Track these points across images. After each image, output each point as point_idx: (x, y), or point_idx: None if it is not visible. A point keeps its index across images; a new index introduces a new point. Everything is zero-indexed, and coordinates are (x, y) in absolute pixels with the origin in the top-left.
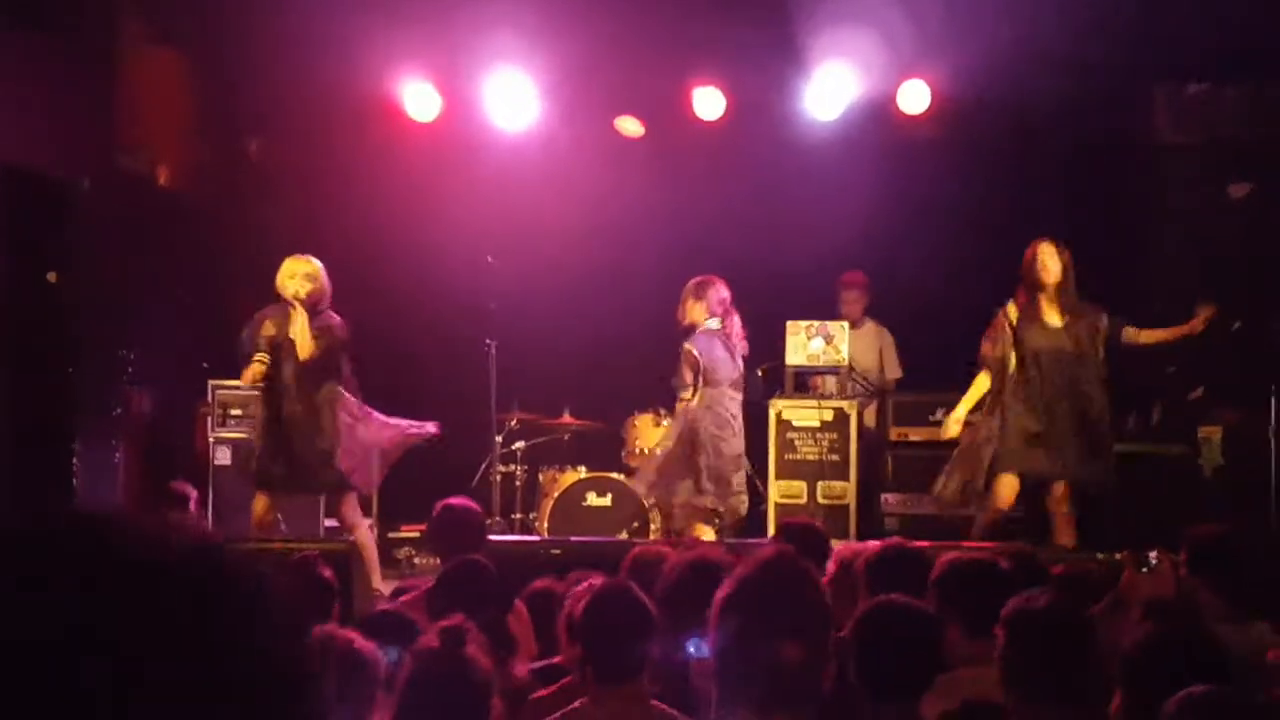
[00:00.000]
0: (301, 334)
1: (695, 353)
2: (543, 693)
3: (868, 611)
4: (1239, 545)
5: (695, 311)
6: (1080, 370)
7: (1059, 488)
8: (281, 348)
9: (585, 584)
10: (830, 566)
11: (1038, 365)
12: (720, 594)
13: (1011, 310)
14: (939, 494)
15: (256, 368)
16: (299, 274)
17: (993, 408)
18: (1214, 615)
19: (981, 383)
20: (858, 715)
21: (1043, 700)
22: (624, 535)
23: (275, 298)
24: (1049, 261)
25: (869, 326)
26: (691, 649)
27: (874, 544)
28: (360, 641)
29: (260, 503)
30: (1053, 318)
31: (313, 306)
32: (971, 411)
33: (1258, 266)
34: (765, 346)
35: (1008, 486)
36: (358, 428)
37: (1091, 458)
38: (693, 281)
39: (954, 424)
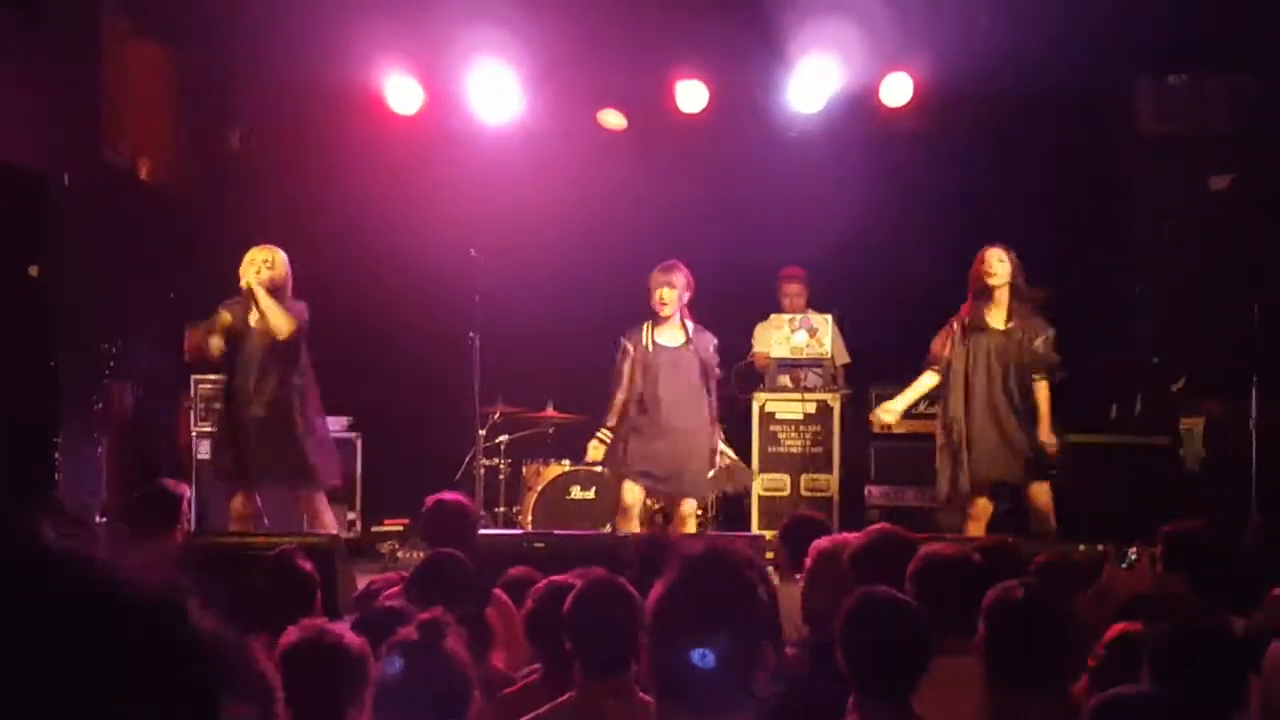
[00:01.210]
0: (273, 314)
1: None
2: (509, 690)
3: (855, 606)
4: (1215, 540)
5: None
6: (1019, 370)
7: (1032, 486)
8: (241, 336)
9: (545, 581)
10: (808, 561)
11: (986, 369)
12: (655, 591)
13: (962, 316)
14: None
15: (200, 335)
16: (257, 260)
17: (944, 413)
18: (1189, 611)
19: (926, 379)
20: (838, 708)
21: (1024, 689)
22: (608, 529)
23: (235, 289)
24: (996, 266)
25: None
26: (696, 658)
27: (854, 535)
28: (350, 637)
29: (238, 497)
30: (997, 320)
31: (271, 292)
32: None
33: (1241, 258)
34: (749, 339)
35: (983, 507)
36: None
37: (1038, 462)
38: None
39: (886, 414)
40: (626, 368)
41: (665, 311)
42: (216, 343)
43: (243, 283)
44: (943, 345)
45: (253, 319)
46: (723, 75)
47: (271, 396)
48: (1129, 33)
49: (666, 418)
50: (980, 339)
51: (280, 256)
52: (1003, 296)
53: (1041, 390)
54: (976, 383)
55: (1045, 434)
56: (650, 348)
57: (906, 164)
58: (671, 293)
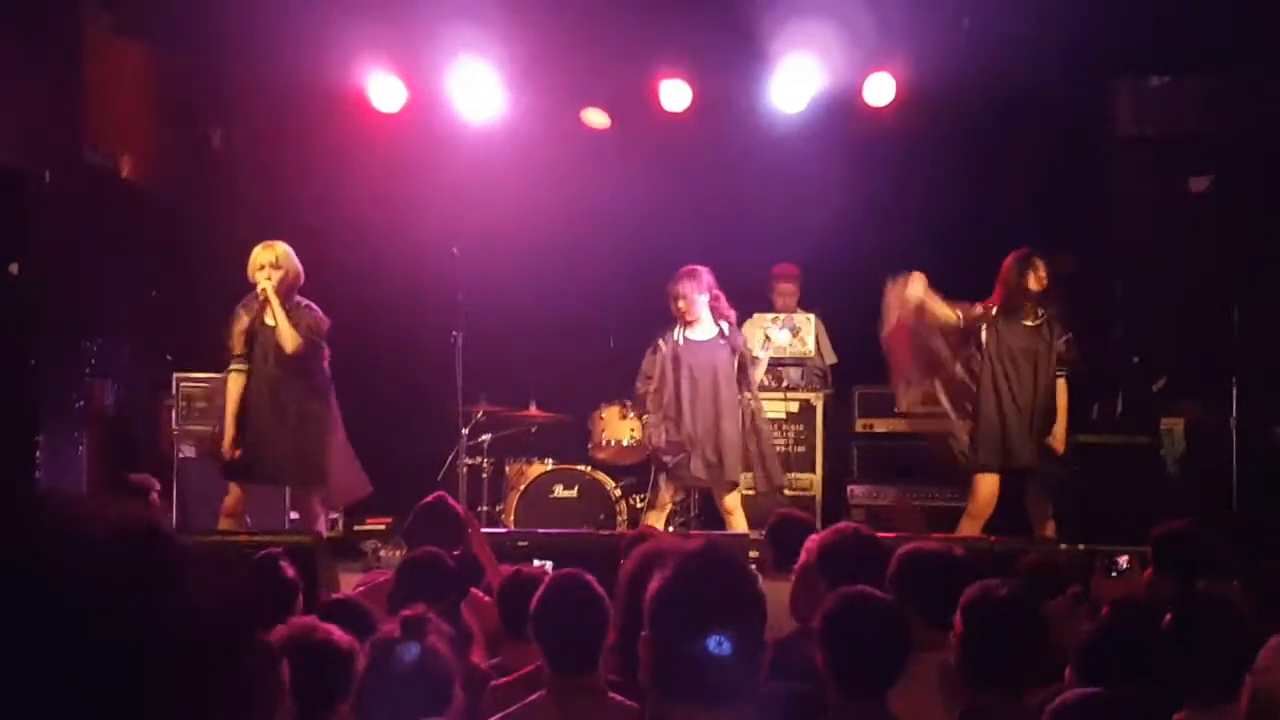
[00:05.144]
0: (283, 328)
1: None
2: (501, 681)
3: (836, 604)
4: (1201, 540)
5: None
6: (1047, 368)
7: (1036, 483)
8: (257, 336)
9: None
10: (801, 557)
11: (1012, 362)
12: (653, 588)
13: (991, 305)
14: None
15: (236, 378)
16: (266, 264)
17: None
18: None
19: (947, 310)
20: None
21: (996, 686)
22: (591, 528)
23: (248, 287)
24: (1042, 273)
25: (801, 317)
26: (712, 645)
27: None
28: (339, 634)
29: (232, 494)
30: (1029, 319)
31: (286, 294)
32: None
33: (1219, 258)
34: None
35: (989, 486)
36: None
37: (1049, 456)
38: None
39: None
40: (652, 359)
41: (687, 317)
42: (239, 345)
43: (259, 287)
44: (975, 312)
45: (268, 318)
46: (706, 75)
47: (287, 397)
48: (1108, 34)
49: (689, 413)
50: (1008, 331)
51: (286, 251)
52: (1038, 300)
53: (1061, 387)
54: (1000, 373)
55: (1061, 429)
56: (681, 341)
57: (889, 164)
58: (680, 303)
